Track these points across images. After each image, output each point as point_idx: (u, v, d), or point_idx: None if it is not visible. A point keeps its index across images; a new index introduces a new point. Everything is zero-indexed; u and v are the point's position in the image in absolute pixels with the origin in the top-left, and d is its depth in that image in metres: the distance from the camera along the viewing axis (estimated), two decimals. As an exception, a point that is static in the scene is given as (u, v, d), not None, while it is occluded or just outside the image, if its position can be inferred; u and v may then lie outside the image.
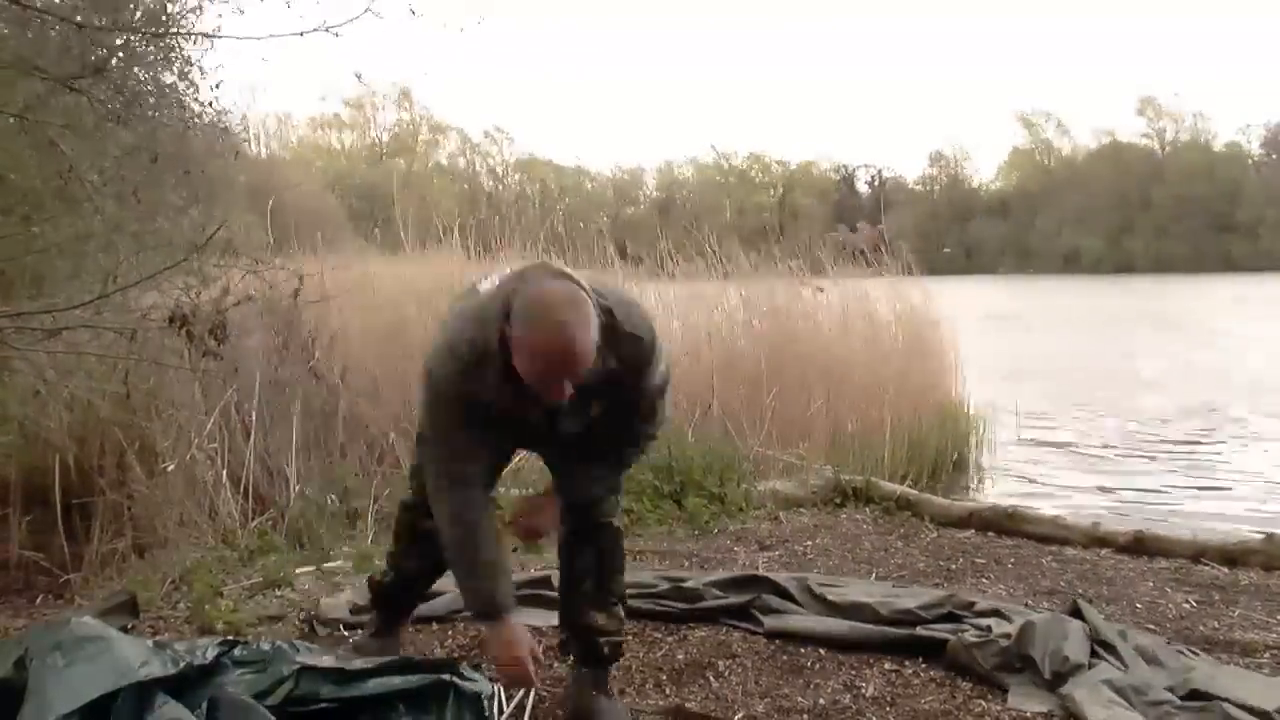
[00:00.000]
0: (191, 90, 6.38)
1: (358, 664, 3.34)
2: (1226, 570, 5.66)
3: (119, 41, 5.36)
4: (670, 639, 4.56)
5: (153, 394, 6.76)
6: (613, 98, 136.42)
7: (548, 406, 3.18)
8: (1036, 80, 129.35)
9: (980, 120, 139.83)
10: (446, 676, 3.28)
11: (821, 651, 4.39)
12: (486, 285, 3.30)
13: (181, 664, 3.17)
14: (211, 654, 3.29)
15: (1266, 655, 4.29)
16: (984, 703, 3.85)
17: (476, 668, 3.48)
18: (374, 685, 3.23)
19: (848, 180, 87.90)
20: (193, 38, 5.95)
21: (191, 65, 6.18)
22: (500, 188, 71.05)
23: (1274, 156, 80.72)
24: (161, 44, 5.99)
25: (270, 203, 9.32)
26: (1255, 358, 19.86)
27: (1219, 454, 11.66)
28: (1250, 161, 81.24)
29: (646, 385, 3.43)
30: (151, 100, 5.90)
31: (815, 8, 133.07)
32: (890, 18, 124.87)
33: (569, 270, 3.19)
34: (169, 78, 6.18)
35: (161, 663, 3.13)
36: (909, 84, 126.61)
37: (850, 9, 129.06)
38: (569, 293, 3.03)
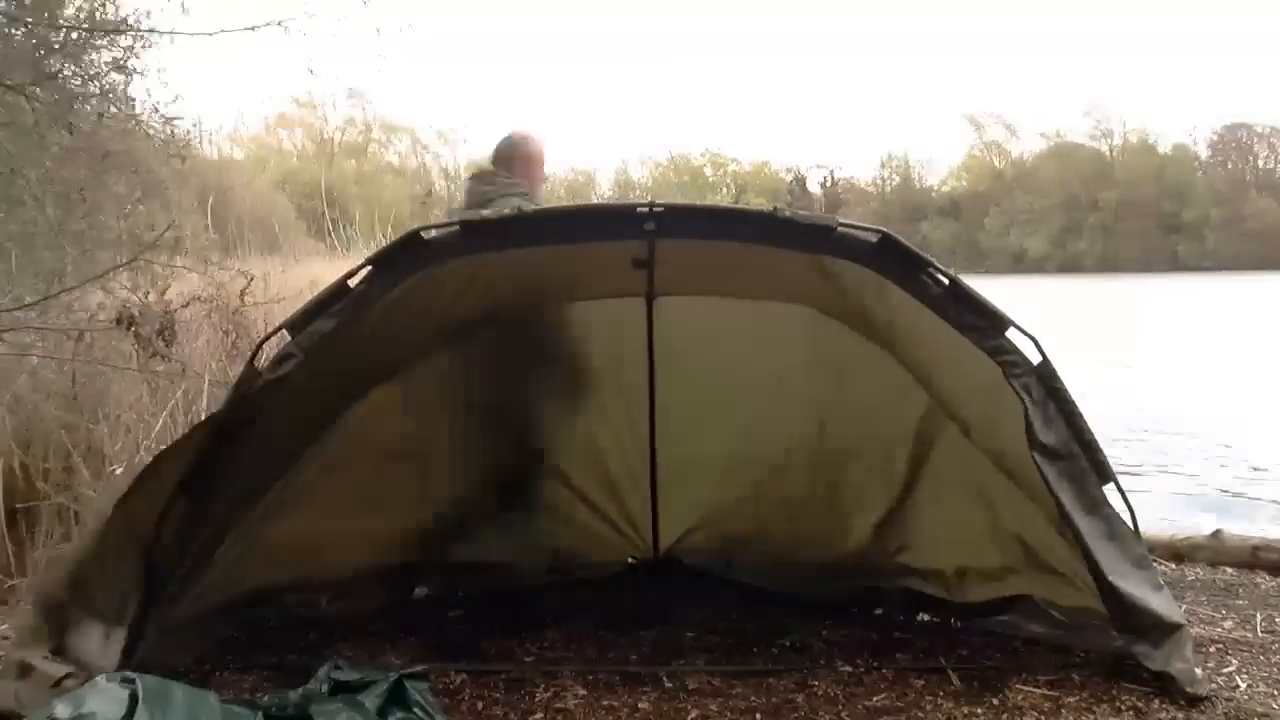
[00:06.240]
0: (137, 89, 6.29)
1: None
2: (1174, 566, 5.74)
3: (58, 37, 5.26)
4: (622, 640, 4.58)
5: (100, 396, 6.65)
6: (569, 98, 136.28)
7: None
8: (989, 81, 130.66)
9: (933, 122, 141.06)
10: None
11: (775, 651, 4.45)
12: None
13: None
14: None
15: (1213, 649, 4.35)
16: (934, 699, 3.89)
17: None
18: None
19: (800, 181, 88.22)
20: (140, 35, 5.88)
21: (137, 60, 6.09)
22: (453, 188, 70.65)
23: (1219, 159, 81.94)
24: (107, 41, 5.91)
25: (219, 203, 9.22)
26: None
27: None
28: (1197, 163, 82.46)
29: None
30: (94, 100, 5.81)
31: (772, 6, 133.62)
32: (846, 17, 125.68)
33: None
34: (114, 76, 6.08)
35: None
36: (863, 85, 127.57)
37: (807, 8, 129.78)
38: None
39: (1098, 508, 3.94)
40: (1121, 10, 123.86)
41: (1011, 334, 3.92)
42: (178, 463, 3.75)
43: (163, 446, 6.36)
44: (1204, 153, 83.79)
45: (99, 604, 3.70)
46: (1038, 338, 3.95)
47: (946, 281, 3.89)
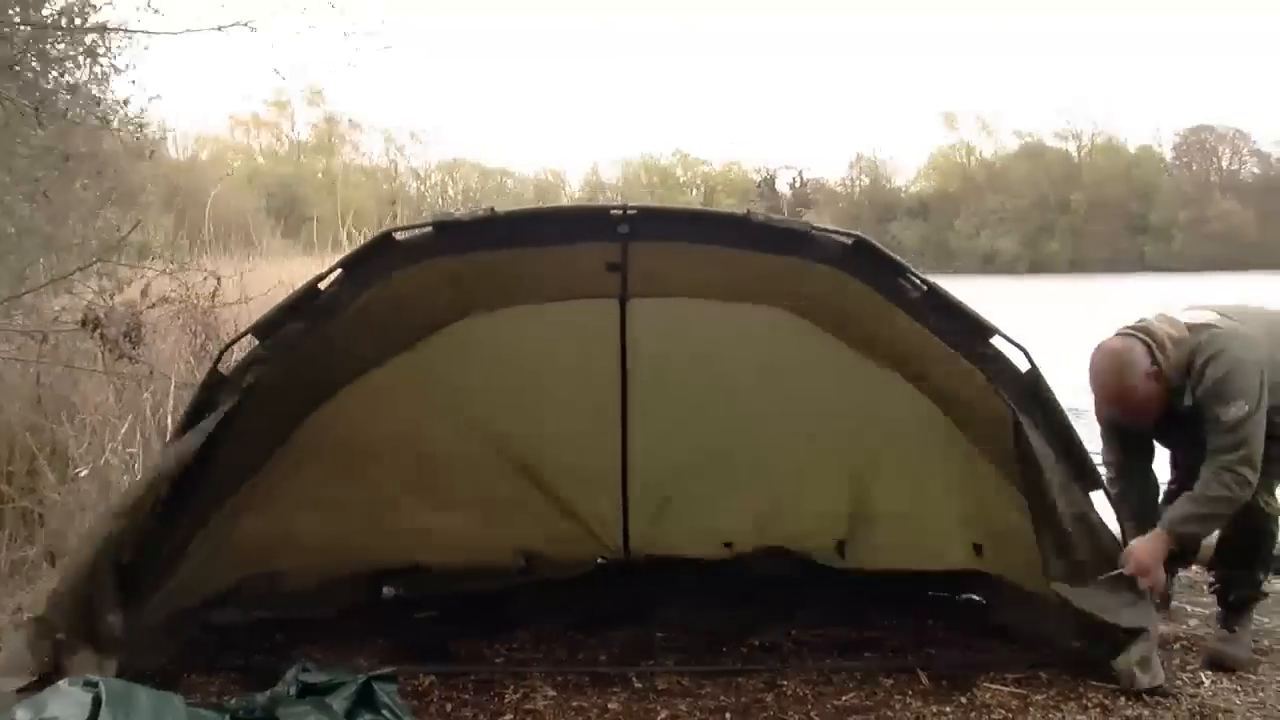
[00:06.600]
0: (105, 89, 6.24)
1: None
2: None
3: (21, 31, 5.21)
4: (592, 640, 4.58)
5: (65, 398, 6.60)
6: (539, 97, 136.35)
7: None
8: (957, 82, 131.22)
9: (902, 122, 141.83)
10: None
11: (744, 650, 4.46)
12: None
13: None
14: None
15: (1177, 645, 4.38)
16: (903, 698, 3.91)
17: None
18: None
19: (769, 181, 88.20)
20: (108, 33, 5.84)
21: (104, 60, 6.04)
22: (423, 188, 70.56)
23: (1184, 160, 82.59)
24: (75, 40, 5.86)
25: (186, 203, 9.17)
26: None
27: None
28: (1162, 165, 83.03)
29: (1216, 418, 3.93)
30: (64, 98, 5.76)
31: (742, 7, 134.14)
32: (816, 17, 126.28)
33: (1153, 321, 4.10)
34: (82, 75, 6.03)
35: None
36: (833, 85, 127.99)
37: (777, 8, 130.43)
38: (1111, 347, 4.05)
39: (1084, 516, 3.97)
40: (1085, 11, 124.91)
41: (996, 340, 3.93)
42: (155, 493, 3.74)
43: (128, 449, 6.34)
44: (1169, 155, 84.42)
45: (94, 631, 3.65)
46: (1026, 348, 3.95)
47: (925, 287, 3.91)
